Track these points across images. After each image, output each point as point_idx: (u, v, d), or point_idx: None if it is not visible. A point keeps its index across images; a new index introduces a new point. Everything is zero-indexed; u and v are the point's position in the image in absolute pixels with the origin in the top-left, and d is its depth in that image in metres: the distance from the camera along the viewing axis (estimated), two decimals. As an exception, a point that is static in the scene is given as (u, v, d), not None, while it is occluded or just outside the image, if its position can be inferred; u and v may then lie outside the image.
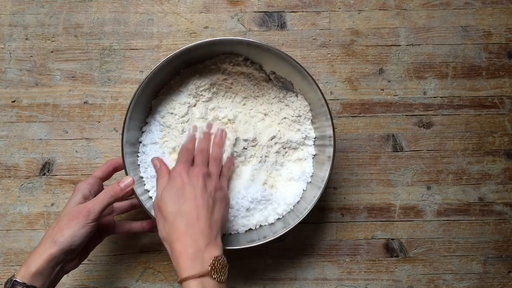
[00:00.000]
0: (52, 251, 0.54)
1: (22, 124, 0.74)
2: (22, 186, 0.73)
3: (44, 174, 0.74)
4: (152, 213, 0.62)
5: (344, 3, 0.77)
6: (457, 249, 0.75)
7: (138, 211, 0.71)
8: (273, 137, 0.68)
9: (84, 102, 0.75)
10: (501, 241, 0.75)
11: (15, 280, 0.53)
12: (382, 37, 0.77)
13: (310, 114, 0.68)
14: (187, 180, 0.56)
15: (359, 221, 0.75)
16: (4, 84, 0.75)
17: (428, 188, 0.75)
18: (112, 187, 0.59)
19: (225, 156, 0.64)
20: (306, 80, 0.63)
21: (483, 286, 0.75)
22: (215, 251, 0.52)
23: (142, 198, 0.62)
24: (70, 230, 0.55)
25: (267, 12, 0.77)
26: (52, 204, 0.73)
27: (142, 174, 0.65)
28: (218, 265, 0.51)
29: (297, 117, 0.68)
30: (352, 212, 0.75)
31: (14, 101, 0.75)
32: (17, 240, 0.73)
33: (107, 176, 0.64)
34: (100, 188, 0.62)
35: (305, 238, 0.75)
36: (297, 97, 0.69)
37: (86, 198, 0.59)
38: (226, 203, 0.59)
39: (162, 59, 0.61)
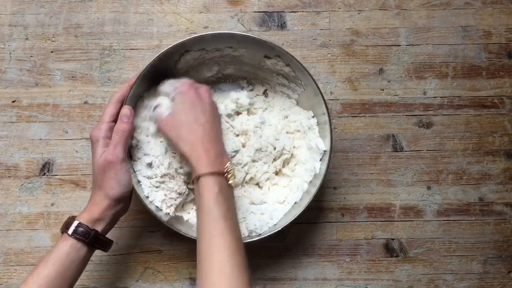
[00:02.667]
0: (109, 202, 0.59)
1: (22, 124, 0.74)
2: (22, 186, 0.73)
3: (44, 174, 0.74)
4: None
5: (344, 3, 0.77)
6: (457, 249, 0.75)
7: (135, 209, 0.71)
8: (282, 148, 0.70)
9: (84, 102, 0.75)
10: (501, 241, 0.75)
11: (80, 222, 0.57)
12: (382, 37, 0.77)
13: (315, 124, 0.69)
14: (197, 95, 0.61)
15: (359, 221, 0.75)
16: (4, 84, 0.75)
17: (428, 188, 0.75)
18: (119, 125, 0.61)
19: None
20: (302, 73, 0.64)
21: (483, 286, 0.75)
22: (228, 157, 0.59)
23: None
24: (113, 180, 0.59)
25: (267, 12, 0.77)
26: (52, 204, 0.73)
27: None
28: (230, 169, 0.57)
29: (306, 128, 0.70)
30: (352, 212, 0.75)
31: (14, 101, 0.75)
32: (17, 240, 0.73)
33: (117, 116, 0.63)
34: (113, 130, 0.62)
35: (305, 238, 0.75)
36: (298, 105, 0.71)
37: (107, 144, 0.60)
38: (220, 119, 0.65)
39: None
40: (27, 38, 0.75)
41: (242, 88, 0.73)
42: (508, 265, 0.75)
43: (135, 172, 0.66)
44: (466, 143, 0.76)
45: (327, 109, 0.64)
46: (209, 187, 0.55)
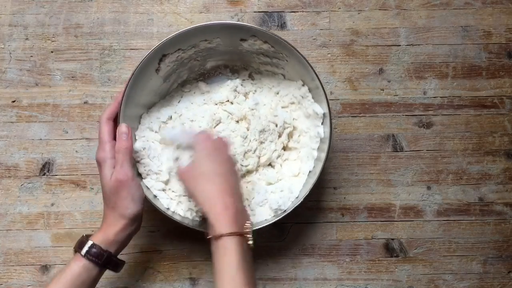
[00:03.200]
0: (125, 222, 0.58)
1: (22, 124, 0.74)
2: (22, 186, 0.73)
3: (44, 174, 0.74)
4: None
5: (344, 3, 0.77)
6: (457, 249, 0.75)
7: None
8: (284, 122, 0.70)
9: (84, 102, 0.75)
10: (501, 241, 0.75)
11: (94, 243, 0.56)
12: (382, 37, 0.77)
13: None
14: (215, 146, 0.60)
15: (359, 221, 0.75)
16: (4, 84, 0.75)
17: (428, 188, 0.75)
18: (120, 144, 0.60)
19: None
20: (282, 45, 0.64)
21: (483, 286, 0.75)
22: (248, 216, 0.57)
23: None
24: (126, 200, 0.58)
25: (267, 12, 0.77)
26: (52, 204, 0.73)
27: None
28: (250, 230, 0.55)
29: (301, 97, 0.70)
30: (352, 212, 0.75)
31: (14, 101, 0.75)
32: (17, 240, 0.73)
33: (113, 133, 0.62)
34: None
35: (305, 238, 0.75)
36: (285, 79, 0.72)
37: (114, 165, 0.59)
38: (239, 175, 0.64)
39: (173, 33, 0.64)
40: (27, 38, 0.75)
41: (229, 78, 0.73)
42: (508, 265, 0.75)
43: (149, 188, 0.66)
44: (466, 143, 0.76)
45: (315, 73, 0.63)
46: (231, 250, 0.52)
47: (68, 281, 0.55)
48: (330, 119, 0.64)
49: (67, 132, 0.74)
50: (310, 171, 0.68)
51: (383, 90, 0.76)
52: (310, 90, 0.69)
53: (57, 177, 0.74)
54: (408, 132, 0.76)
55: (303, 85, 0.70)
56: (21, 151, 0.74)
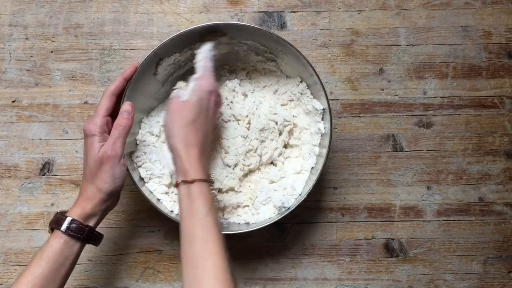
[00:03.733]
0: (101, 196, 0.58)
1: (22, 124, 0.74)
2: (22, 186, 0.73)
3: (44, 174, 0.74)
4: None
5: (344, 3, 0.77)
6: (457, 249, 0.75)
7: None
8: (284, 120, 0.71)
9: (84, 102, 0.75)
10: (501, 241, 0.75)
11: (74, 219, 0.56)
12: (382, 37, 0.77)
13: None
14: (208, 99, 0.61)
15: (359, 221, 0.75)
16: (4, 84, 0.75)
17: (428, 188, 0.75)
18: (120, 121, 0.60)
19: None
20: (298, 59, 0.64)
21: (483, 286, 0.75)
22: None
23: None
24: (107, 174, 0.58)
25: (267, 12, 0.77)
26: (52, 204, 0.73)
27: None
28: (214, 179, 0.61)
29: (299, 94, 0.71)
30: (352, 212, 0.75)
31: (14, 101, 0.75)
32: (17, 240, 0.73)
33: (112, 110, 0.62)
34: (109, 124, 0.61)
35: (305, 238, 0.75)
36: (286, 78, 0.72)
37: (103, 139, 0.59)
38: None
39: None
40: (27, 38, 0.75)
41: (227, 79, 0.73)
42: (508, 265, 0.75)
43: (152, 192, 0.67)
44: (466, 143, 0.76)
45: (313, 68, 0.63)
46: (203, 194, 0.54)
47: (51, 258, 0.54)
48: (330, 114, 0.64)
49: (67, 132, 0.74)
50: (312, 168, 0.68)
51: (383, 90, 0.76)
52: (308, 86, 0.69)
53: (57, 177, 0.74)
54: (408, 132, 0.76)
55: (301, 81, 0.70)
56: (21, 151, 0.74)
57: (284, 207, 0.66)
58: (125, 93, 0.63)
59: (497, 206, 0.76)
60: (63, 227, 0.55)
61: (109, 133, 0.60)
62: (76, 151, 0.74)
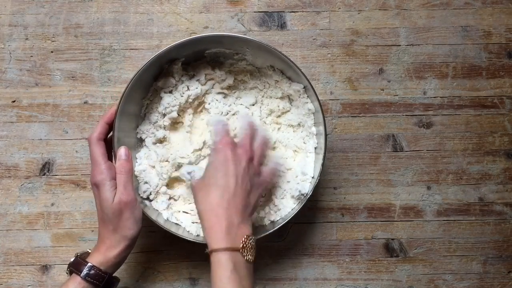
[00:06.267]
0: (127, 243, 0.58)
1: (22, 124, 0.74)
2: (22, 186, 0.73)
3: (44, 174, 0.74)
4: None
5: (344, 3, 0.77)
6: (457, 249, 0.75)
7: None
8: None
9: (84, 102, 0.75)
10: (501, 241, 0.75)
11: (94, 265, 0.56)
12: (382, 37, 0.77)
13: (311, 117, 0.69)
14: (231, 156, 0.56)
15: (359, 221, 0.75)
16: (4, 84, 0.75)
17: (428, 188, 0.75)
18: (122, 165, 0.60)
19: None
20: (291, 69, 0.64)
21: (483, 286, 0.75)
22: (247, 230, 0.54)
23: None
24: (130, 221, 0.58)
25: (267, 12, 0.77)
26: (52, 204, 0.73)
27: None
28: (249, 244, 0.53)
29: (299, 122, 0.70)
30: (352, 212, 0.75)
31: (14, 101, 0.75)
32: (17, 240, 0.73)
33: (107, 154, 0.62)
34: (112, 168, 0.60)
35: (305, 238, 0.75)
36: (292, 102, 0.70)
37: (113, 185, 0.59)
38: (261, 190, 0.59)
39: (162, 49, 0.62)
40: (27, 38, 0.75)
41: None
42: (508, 265, 0.75)
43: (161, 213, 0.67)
44: (466, 143, 0.76)
45: (301, 72, 0.62)
46: (221, 265, 0.51)
47: None
48: (315, 93, 0.63)
49: (67, 132, 0.74)
50: (315, 148, 0.68)
51: (383, 90, 0.76)
52: (300, 90, 0.68)
53: (57, 177, 0.74)
54: (408, 132, 0.76)
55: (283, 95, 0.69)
56: (21, 151, 0.74)
57: (302, 195, 0.65)
58: (115, 119, 0.62)
59: (497, 206, 0.76)
60: (83, 273, 0.56)
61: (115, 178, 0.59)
62: (76, 151, 0.74)
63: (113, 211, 0.57)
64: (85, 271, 0.56)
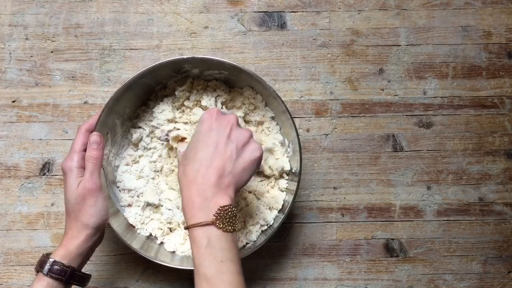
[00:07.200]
0: (88, 232, 0.57)
1: (22, 124, 0.74)
2: (22, 186, 0.73)
3: (44, 174, 0.74)
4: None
5: (344, 3, 0.77)
6: (457, 249, 0.75)
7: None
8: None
9: (84, 102, 0.75)
10: (501, 241, 0.75)
11: (55, 260, 0.55)
12: (382, 37, 0.77)
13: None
14: (215, 125, 0.54)
15: (359, 221, 0.75)
16: (4, 84, 0.75)
17: (428, 188, 0.75)
18: (90, 153, 0.59)
19: None
20: (267, 90, 0.64)
21: (483, 286, 0.75)
22: (222, 200, 0.51)
23: None
24: (93, 208, 0.57)
25: (267, 12, 0.77)
26: (52, 204, 0.73)
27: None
28: (225, 214, 0.50)
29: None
30: (352, 212, 0.75)
31: (14, 101, 0.75)
32: (17, 240, 0.73)
33: (86, 145, 0.61)
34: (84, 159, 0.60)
35: (305, 238, 0.75)
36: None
37: (81, 173, 0.59)
38: (253, 162, 0.54)
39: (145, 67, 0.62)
40: (27, 38, 0.75)
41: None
42: (508, 265, 0.75)
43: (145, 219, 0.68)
44: (466, 143, 0.76)
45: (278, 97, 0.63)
46: (195, 241, 0.50)
47: None
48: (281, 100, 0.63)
49: (67, 132, 0.74)
50: (290, 155, 0.67)
51: (383, 90, 0.76)
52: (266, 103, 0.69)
53: (57, 177, 0.74)
54: (408, 132, 0.76)
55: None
56: (21, 151, 0.74)
57: (267, 225, 0.66)
58: (105, 107, 0.62)
59: (497, 206, 0.76)
60: (45, 269, 0.54)
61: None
62: (76, 151, 0.74)
63: (76, 196, 0.57)
64: (46, 267, 0.54)
